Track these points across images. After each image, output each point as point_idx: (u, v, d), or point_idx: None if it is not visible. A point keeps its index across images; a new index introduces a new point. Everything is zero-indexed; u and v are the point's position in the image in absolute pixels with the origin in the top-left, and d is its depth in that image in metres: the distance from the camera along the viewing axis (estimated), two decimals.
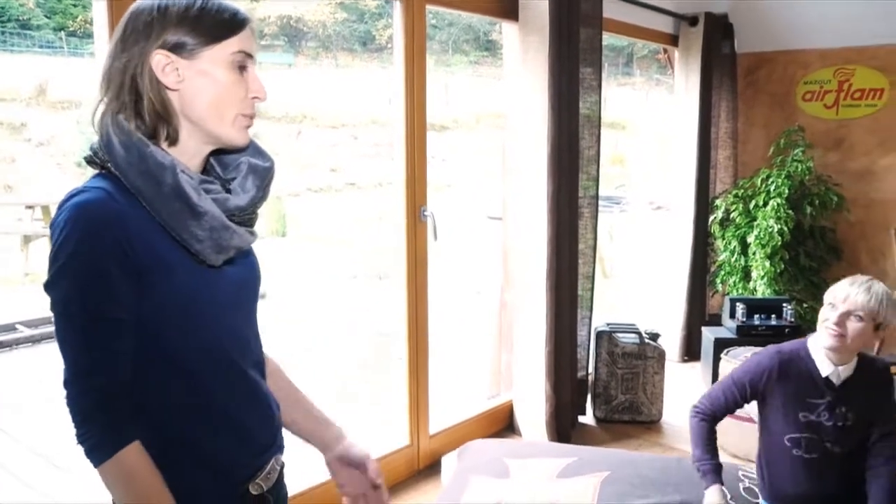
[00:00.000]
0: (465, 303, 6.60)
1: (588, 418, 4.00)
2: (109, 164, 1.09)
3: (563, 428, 3.68)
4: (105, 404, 1.06)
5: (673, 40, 4.91)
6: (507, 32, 3.69)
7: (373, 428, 4.32)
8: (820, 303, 4.76)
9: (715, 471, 2.19)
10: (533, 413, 3.65)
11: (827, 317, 2.12)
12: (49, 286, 1.05)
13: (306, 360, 5.58)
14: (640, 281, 7.43)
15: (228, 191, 1.19)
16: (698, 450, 2.23)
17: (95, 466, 1.07)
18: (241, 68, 1.14)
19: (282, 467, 1.34)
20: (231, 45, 1.12)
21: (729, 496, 2.18)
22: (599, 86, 3.82)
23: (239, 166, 1.21)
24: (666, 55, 5.27)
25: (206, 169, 1.21)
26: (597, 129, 3.84)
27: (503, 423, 3.80)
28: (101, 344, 1.05)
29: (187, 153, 1.15)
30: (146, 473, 1.07)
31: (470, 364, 4.79)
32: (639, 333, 4.01)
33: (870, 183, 4.98)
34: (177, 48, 1.10)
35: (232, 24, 1.13)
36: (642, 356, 3.92)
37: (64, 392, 1.07)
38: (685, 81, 4.91)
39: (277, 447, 1.31)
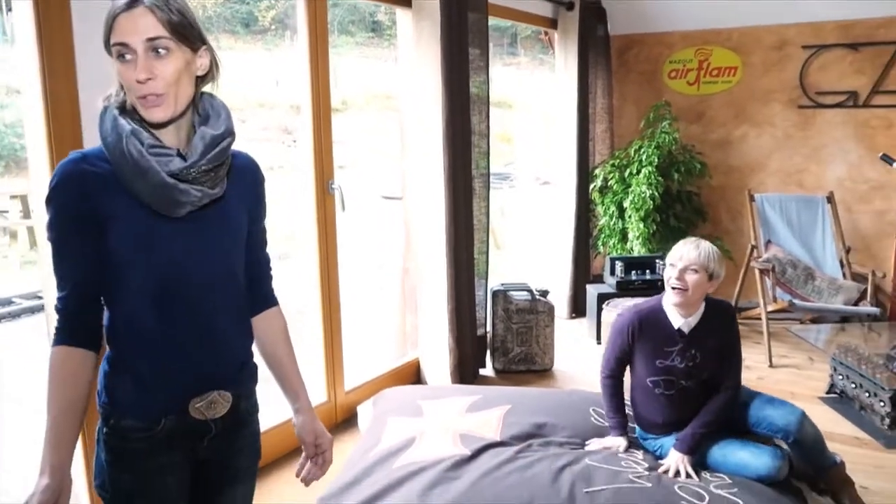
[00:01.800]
0: (367, 276, 6.83)
1: (488, 370, 4.37)
2: (100, 136, 1.36)
3: (466, 379, 4.03)
4: (63, 311, 1.39)
5: (552, 23, 5.30)
6: (400, 18, 3.95)
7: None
8: None
9: (618, 426, 2.69)
10: (438, 367, 3.98)
11: (670, 276, 2.55)
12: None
13: None
14: (530, 251, 7.87)
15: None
16: (607, 408, 2.73)
17: None
18: (121, 56, 1.31)
19: (238, 407, 1.52)
20: (112, 40, 1.31)
21: (627, 443, 2.65)
22: (487, 66, 4.15)
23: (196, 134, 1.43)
24: (547, 37, 5.67)
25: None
26: (486, 106, 4.18)
27: (412, 379, 4.10)
28: (63, 266, 1.37)
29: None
30: (59, 373, 1.36)
31: (376, 330, 5.04)
32: (530, 291, 4.41)
33: (727, 151, 5.57)
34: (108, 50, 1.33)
35: (108, 20, 1.29)
36: (534, 311, 4.31)
37: None
38: (564, 61, 5.32)
39: (228, 384, 1.49)
